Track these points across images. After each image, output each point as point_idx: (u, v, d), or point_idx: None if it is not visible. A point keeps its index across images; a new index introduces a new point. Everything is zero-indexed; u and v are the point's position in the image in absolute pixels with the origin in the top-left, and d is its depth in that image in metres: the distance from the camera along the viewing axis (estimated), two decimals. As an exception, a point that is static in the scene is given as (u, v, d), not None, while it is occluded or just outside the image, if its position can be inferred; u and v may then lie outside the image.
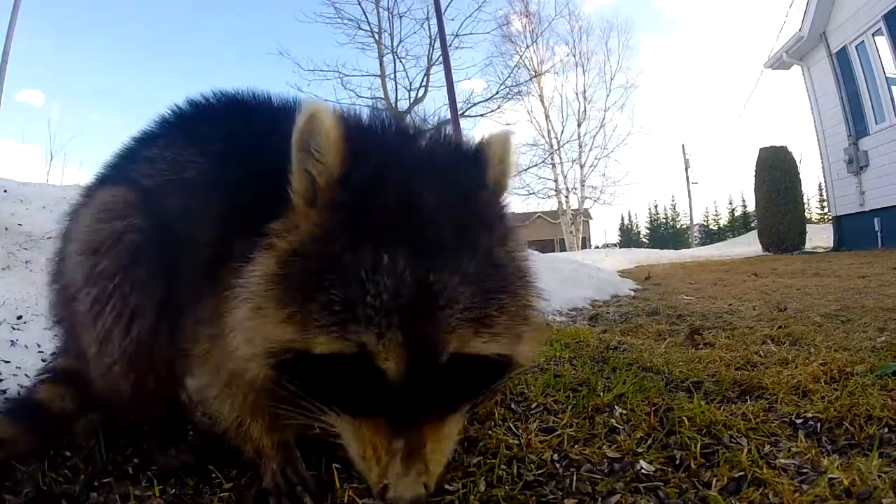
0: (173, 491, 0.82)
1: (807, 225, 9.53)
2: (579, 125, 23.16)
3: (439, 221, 0.58)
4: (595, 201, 23.69)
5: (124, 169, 0.91)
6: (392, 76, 16.60)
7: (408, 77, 16.85)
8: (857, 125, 8.19)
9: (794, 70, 9.96)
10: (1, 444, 0.85)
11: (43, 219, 2.36)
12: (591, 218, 31.15)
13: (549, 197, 22.87)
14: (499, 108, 17.60)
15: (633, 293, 4.05)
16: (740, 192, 52.33)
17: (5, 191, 2.84)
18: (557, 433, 0.98)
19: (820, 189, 32.30)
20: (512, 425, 1.04)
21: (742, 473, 0.80)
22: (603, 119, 23.37)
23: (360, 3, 16.23)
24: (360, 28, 16.37)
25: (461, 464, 0.87)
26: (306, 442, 0.97)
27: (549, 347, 1.80)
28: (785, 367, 1.40)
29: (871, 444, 0.86)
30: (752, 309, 2.63)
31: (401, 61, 16.58)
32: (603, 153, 23.32)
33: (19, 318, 1.56)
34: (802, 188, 9.45)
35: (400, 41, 16.54)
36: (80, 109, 41.07)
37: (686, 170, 29.68)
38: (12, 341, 1.41)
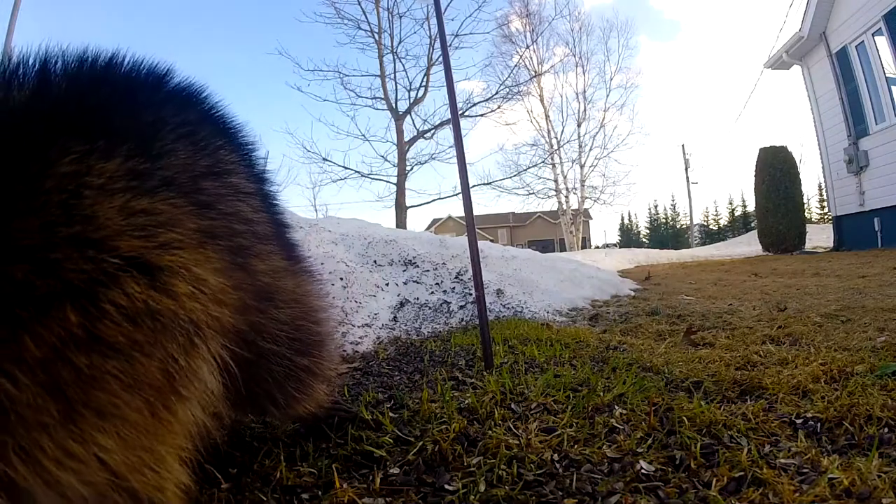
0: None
1: (807, 225, 9.53)
2: (579, 125, 23.21)
3: None
4: (595, 201, 23.74)
5: None
6: (392, 76, 16.59)
7: (408, 77, 16.84)
8: (857, 125, 8.19)
9: (794, 70, 9.97)
10: None
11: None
12: (591, 218, 31.18)
13: (549, 197, 22.92)
14: (499, 108, 17.58)
15: (633, 293, 4.05)
16: (740, 192, 52.46)
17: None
18: (557, 433, 0.98)
19: (820, 189, 32.38)
20: (512, 425, 1.04)
21: (742, 473, 0.79)
22: (603, 119, 23.44)
23: (360, 3, 16.21)
24: (360, 28, 16.35)
25: (461, 464, 0.87)
26: (305, 438, 0.97)
27: (549, 347, 1.80)
28: (785, 367, 1.40)
29: (871, 444, 0.86)
30: (752, 309, 2.63)
31: (401, 61, 16.56)
32: (603, 153, 23.39)
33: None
34: (802, 188, 9.45)
35: (400, 41, 16.52)
36: (80, 109, 40.93)
37: (686, 170, 29.69)
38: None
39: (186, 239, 0.56)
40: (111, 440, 0.47)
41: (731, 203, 45.26)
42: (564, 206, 22.70)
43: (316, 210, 20.30)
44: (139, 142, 0.58)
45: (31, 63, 0.59)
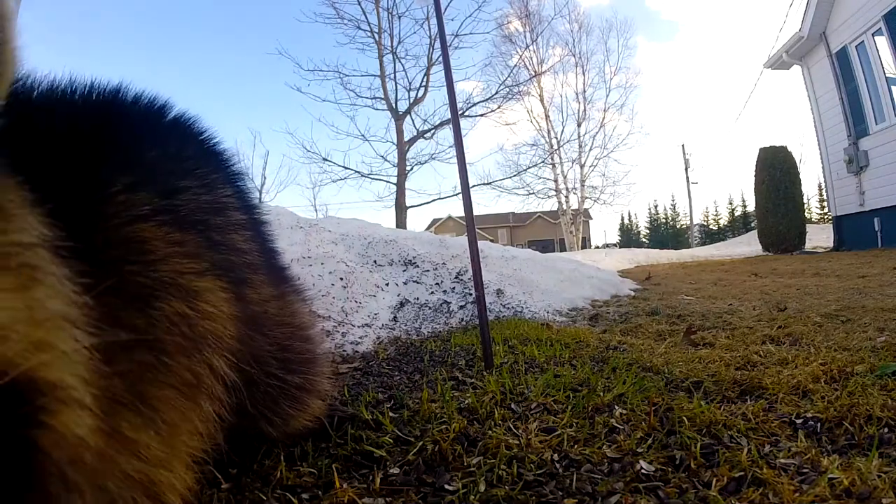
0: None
1: (807, 225, 9.53)
2: (579, 125, 23.22)
3: None
4: (595, 201, 23.74)
5: None
6: (392, 76, 16.58)
7: (407, 77, 16.82)
8: (857, 125, 8.19)
9: (794, 70, 9.97)
10: None
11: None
12: (591, 218, 31.19)
13: (549, 197, 22.92)
14: (499, 108, 17.57)
15: (633, 293, 4.05)
16: (740, 192, 52.51)
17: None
18: (557, 433, 0.98)
19: (820, 189, 32.40)
20: (512, 425, 1.04)
21: (742, 473, 0.79)
22: (603, 119, 23.45)
23: (360, 3, 16.20)
24: (360, 28, 16.34)
25: (461, 464, 0.87)
26: (304, 438, 0.97)
27: (549, 347, 1.80)
28: (785, 367, 1.40)
29: (871, 444, 0.86)
30: (752, 309, 2.63)
31: (401, 61, 16.55)
32: (603, 153, 23.41)
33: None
34: (802, 188, 9.45)
35: (400, 41, 16.51)
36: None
37: (686, 170, 29.70)
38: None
39: (205, 271, 0.63)
40: (151, 431, 0.52)
41: (731, 203, 45.31)
42: (564, 206, 22.70)
43: (316, 210, 20.34)
44: (159, 177, 0.64)
45: (52, 91, 0.63)
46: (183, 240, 0.60)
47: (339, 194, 56.66)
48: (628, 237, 48.56)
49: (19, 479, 0.38)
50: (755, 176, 9.64)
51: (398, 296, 2.75)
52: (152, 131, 0.72)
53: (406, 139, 16.70)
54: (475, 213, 1.70)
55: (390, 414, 1.11)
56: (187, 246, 0.61)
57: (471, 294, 2.86)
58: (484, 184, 18.94)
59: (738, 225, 41.03)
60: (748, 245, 14.43)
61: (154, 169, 0.64)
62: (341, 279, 2.63)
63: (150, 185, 0.61)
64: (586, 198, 23.28)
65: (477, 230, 1.64)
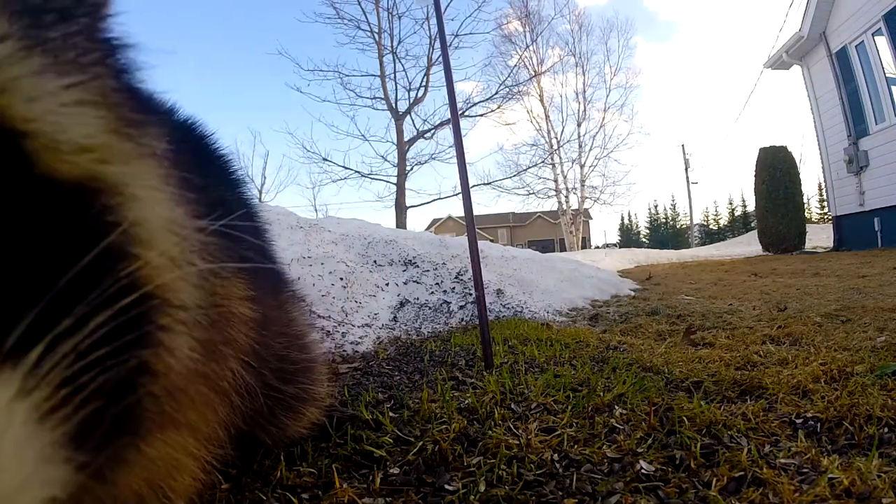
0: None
1: (807, 225, 9.53)
2: (579, 125, 23.24)
3: None
4: (595, 201, 23.76)
5: None
6: (392, 76, 16.58)
7: (407, 77, 16.83)
8: (857, 125, 8.19)
9: (794, 70, 9.97)
10: None
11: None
12: (591, 218, 31.20)
13: (549, 197, 22.94)
14: (499, 108, 17.58)
15: (633, 293, 4.05)
16: (740, 192, 52.56)
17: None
18: (557, 433, 0.98)
19: (820, 189, 32.42)
20: (512, 425, 1.04)
21: (742, 473, 0.79)
22: (603, 119, 23.47)
23: (360, 3, 16.21)
24: (360, 28, 16.35)
25: (461, 464, 0.87)
26: (304, 438, 0.97)
27: (549, 347, 1.80)
28: (785, 367, 1.40)
29: (871, 444, 0.86)
30: (752, 309, 2.63)
31: (401, 61, 16.56)
32: (603, 153, 23.44)
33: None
34: (802, 188, 9.45)
35: (400, 41, 16.51)
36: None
37: (686, 170, 29.72)
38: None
39: (235, 264, 0.61)
40: (181, 431, 0.49)
41: (731, 203, 45.37)
42: (564, 206, 22.71)
43: (316, 210, 20.37)
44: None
45: None
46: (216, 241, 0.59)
47: (339, 194, 56.39)
48: (628, 237, 48.61)
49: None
50: (755, 176, 9.64)
51: (398, 296, 2.75)
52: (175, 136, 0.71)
53: (406, 139, 16.71)
54: (475, 213, 1.70)
55: (390, 414, 1.11)
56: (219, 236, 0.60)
57: (471, 294, 2.86)
58: (484, 184, 18.97)
59: (738, 225, 41.08)
60: (748, 245, 14.44)
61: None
62: (341, 279, 2.63)
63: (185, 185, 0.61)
64: (586, 198, 23.31)
65: (477, 230, 1.64)
